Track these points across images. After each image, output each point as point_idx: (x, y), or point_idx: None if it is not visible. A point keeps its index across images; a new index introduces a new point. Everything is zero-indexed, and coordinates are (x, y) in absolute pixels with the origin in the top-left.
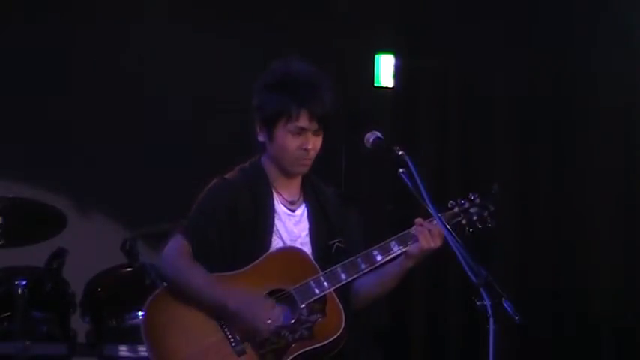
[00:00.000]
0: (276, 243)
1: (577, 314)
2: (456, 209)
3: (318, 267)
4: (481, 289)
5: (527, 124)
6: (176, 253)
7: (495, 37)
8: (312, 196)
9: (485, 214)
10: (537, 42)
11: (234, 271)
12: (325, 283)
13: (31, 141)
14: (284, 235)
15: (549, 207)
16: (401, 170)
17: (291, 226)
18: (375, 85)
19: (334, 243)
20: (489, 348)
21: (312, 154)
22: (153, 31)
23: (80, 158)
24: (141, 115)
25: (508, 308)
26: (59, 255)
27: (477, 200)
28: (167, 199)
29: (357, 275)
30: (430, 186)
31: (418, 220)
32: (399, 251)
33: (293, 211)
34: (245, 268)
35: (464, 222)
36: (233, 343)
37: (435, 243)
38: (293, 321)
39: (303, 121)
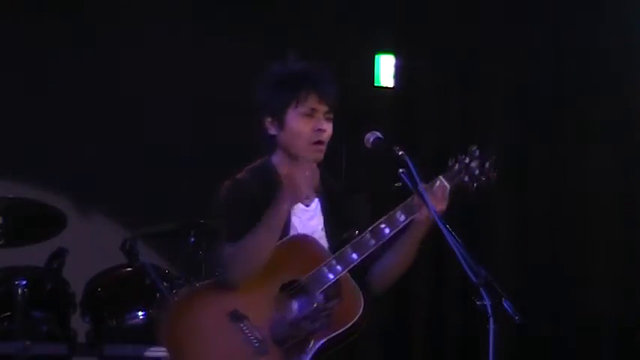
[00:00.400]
0: None
1: (577, 314)
2: (457, 167)
3: (327, 250)
4: (481, 289)
5: (527, 124)
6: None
7: (495, 37)
8: (323, 189)
9: (487, 165)
10: (537, 42)
11: None
12: (338, 267)
13: (31, 141)
14: (301, 230)
15: (549, 207)
16: (401, 170)
17: (307, 220)
18: (375, 85)
19: (349, 234)
20: (489, 348)
21: (326, 137)
22: (153, 31)
23: (80, 158)
24: (141, 115)
25: (508, 308)
26: (59, 255)
27: (477, 152)
28: (167, 199)
29: (368, 252)
30: None
31: (421, 186)
32: (406, 221)
33: (307, 205)
34: None
35: (466, 179)
36: (255, 343)
37: (441, 205)
38: (311, 310)
39: (313, 102)
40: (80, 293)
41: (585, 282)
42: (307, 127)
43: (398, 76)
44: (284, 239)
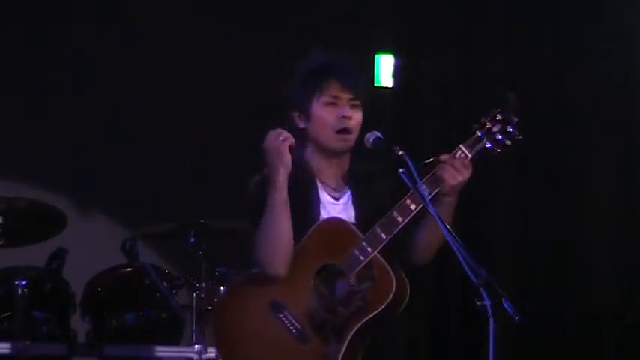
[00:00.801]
0: None
1: (577, 313)
2: (477, 133)
3: (359, 232)
4: (481, 289)
5: (528, 124)
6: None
7: (495, 37)
8: (355, 180)
9: (510, 129)
10: (538, 42)
11: None
12: (369, 249)
13: (31, 141)
14: None
15: (549, 206)
16: (401, 170)
17: (337, 215)
18: (375, 85)
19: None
20: (489, 348)
21: (353, 125)
22: (153, 31)
23: (80, 158)
24: (141, 115)
25: (508, 308)
26: (59, 255)
27: (499, 116)
28: (167, 199)
29: (396, 230)
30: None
31: (442, 157)
32: (433, 193)
33: (337, 199)
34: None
35: (488, 145)
36: (295, 332)
37: (463, 176)
38: (345, 295)
39: (335, 90)
40: (80, 293)
41: (586, 282)
42: (332, 115)
43: (398, 76)
44: (314, 225)
